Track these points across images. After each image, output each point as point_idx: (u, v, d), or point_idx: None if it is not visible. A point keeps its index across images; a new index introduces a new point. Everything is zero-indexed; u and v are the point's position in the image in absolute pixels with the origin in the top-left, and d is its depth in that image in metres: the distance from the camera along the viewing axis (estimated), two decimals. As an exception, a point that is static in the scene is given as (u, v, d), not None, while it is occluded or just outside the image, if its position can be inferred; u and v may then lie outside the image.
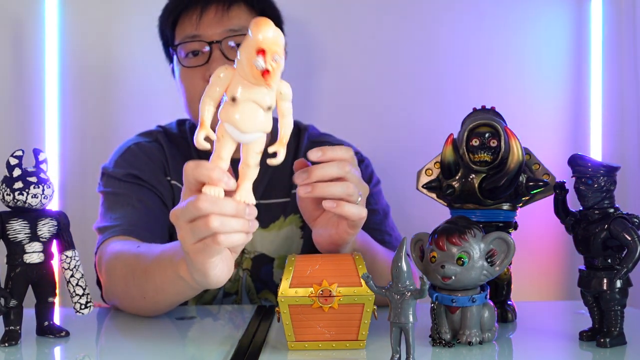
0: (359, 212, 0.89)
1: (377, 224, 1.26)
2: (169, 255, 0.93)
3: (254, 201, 0.77)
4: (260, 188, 1.29)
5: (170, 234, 1.27)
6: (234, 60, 1.31)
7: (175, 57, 1.29)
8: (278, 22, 1.34)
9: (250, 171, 0.75)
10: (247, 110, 0.71)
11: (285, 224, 1.30)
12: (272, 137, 0.76)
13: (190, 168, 0.76)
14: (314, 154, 0.88)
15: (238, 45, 1.25)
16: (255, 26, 0.68)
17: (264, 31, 0.67)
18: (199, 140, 0.72)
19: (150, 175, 1.27)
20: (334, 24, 1.65)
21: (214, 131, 0.74)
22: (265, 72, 0.68)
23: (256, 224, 0.78)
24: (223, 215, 0.74)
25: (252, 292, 1.30)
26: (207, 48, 1.24)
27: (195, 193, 0.76)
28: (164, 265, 0.95)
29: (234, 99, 0.71)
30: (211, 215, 0.74)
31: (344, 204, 0.88)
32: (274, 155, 0.75)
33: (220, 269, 0.82)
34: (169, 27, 1.29)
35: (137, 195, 1.24)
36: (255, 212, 0.78)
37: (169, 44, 1.31)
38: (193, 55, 1.25)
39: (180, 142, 1.34)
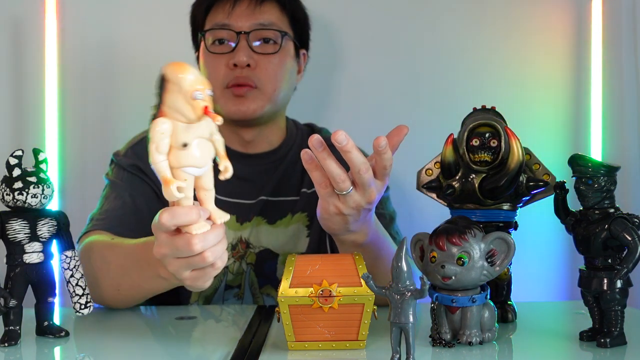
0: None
1: (384, 227, 1.26)
2: (146, 256, 0.93)
3: (228, 216, 0.79)
4: (270, 186, 1.32)
5: None
6: (258, 53, 1.32)
7: (202, 44, 1.31)
8: (306, 24, 1.37)
9: (211, 193, 0.78)
10: (199, 148, 0.74)
11: (292, 222, 1.32)
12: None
13: (168, 219, 0.76)
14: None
15: (264, 39, 1.28)
16: (175, 73, 0.72)
17: (188, 75, 0.72)
18: (175, 194, 0.73)
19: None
20: (333, 26, 1.65)
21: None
22: (205, 108, 0.72)
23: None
24: (214, 247, 0.78)
25: (255, 287, 1.32)
26: (234, 39, 1.27)
27: (173, 233, 0.78)
28: (141, 265, 0.96)
29: (185, 145, 0.73)
30: (205, 250, 0.77)
31: None
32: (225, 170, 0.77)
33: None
34: (201, 13, 1.32)
35: (132, 190, 1.26)
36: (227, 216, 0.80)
37: (198, 30, 1.34)
38: (219, 43, 1.29)
39: None
